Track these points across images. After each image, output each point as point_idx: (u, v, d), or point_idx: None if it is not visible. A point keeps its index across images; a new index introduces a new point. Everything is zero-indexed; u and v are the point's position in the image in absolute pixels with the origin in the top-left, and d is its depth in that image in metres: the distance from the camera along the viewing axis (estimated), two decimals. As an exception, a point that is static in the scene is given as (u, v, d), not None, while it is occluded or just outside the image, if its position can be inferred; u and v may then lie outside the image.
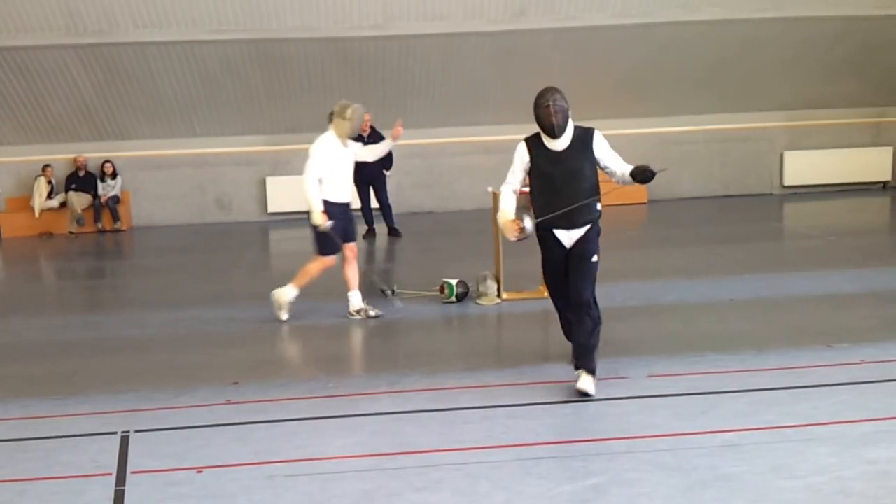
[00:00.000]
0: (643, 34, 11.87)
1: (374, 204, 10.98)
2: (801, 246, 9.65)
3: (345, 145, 6.41)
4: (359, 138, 10.85)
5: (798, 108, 13.43)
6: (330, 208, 6.22)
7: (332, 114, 6.46)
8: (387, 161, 10.83)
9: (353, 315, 6.54)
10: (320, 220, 6.18)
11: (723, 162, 13.54)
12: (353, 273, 6.54)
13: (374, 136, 10.76)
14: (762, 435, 4.01)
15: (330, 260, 6.45)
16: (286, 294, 6.47)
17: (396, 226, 10.83)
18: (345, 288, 6.58)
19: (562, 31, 11.69)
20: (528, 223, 4.73)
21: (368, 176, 10.75)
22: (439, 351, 5.85)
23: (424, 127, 12.62)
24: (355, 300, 6.57)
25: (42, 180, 12.20)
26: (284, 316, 6.47)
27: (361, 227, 10.91)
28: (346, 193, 6.47)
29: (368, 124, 10.71)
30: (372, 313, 6.54)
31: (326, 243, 6.33)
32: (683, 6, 11.56)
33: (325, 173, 6.27)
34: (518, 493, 3.51)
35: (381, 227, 10.92)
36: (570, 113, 4.75)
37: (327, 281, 8.39)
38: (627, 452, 3.86)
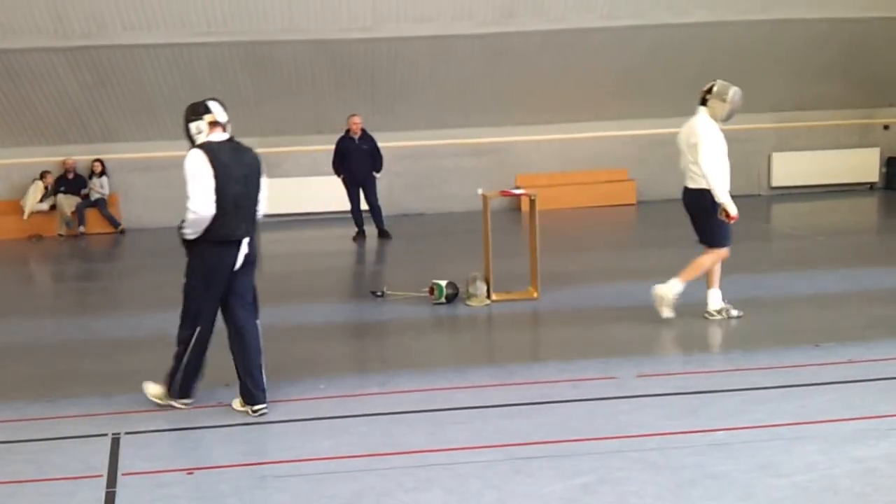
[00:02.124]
0: (632, 36, 11.93)
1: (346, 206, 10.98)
2: (789, 246, 9.72)
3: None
4: (349, 141, 10.90)
5: (786, 110, 13.54)
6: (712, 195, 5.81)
7: (706, 93, 5.90)
8: (377, 163, 10.86)
9: (712, 315, 6.10)
10: (734, 209, 5.78)
11: (712, 163, 13.61)
12: (718, 268, 6.15)
13: (364, 139, 10.78)
14: (751, 433, 4.04)
15: (726, 251, 6.01)
16: (671, 289, 5.93)
17: (386, 228, 10.83)
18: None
19: (551, 33, 11.73)
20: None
21: (359, 178, 10.77)
22: (429, 352, 5.86)
23: (414, 129, 12.64)
24: (716, 299, 6.14)
25: (39, 184, 12.14)
26: (668, 314, 5.93)
27: (351, 230, 10.92)
28: (728, 180, 5.93)
29: (360, 127, 10.72)
30: (734, 313, 6.09)
31: (726, 233, 5.94)
32: (671, 9, 11.62)
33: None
34: (508, 493, 3.53)
35: (368, 229, 10.92)
36: (190, 130, 4.57)
37: (314, 283, 8.40)
38: (617, 451, 3.88)
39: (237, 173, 4.46)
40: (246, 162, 4.55)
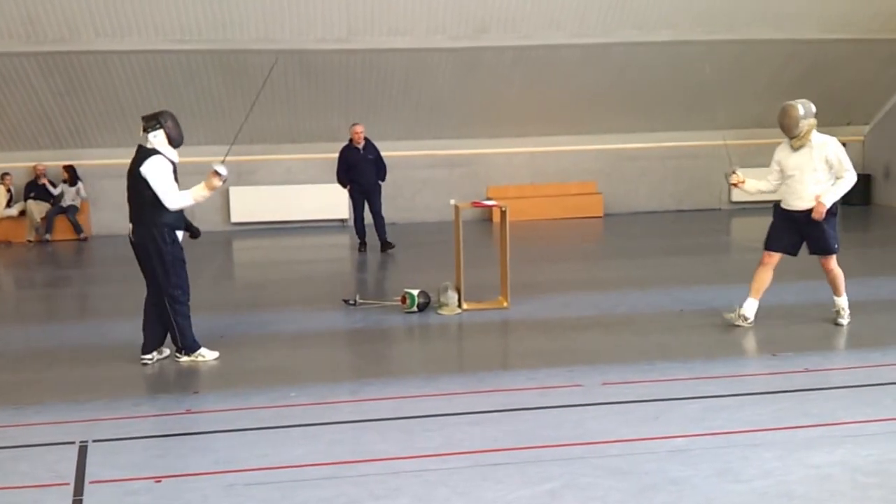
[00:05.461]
0: (600, 53, 12.16)
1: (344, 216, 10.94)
2: (747, 258, 9.88)
3: None
4: (354, 151, 10.68)
5: (745, 128, 13.93)
6: None
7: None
8: (381, 172, 10.69)
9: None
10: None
11: (675, 178, 13.96)
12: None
13: (369, 149, 10.66)
14: (710, 440, 4.14)
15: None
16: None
17: (389, 238, 10.50)
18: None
19: (522, 49, 11.91)
20: None
21: (366, 187, 10.43)
22: (400, 360, 5.93)
23: (388, 139, 12.70)
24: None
25: (0, 188, 12.02)
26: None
27: (329, 238, 10.91)
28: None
29: (362, 136, 10.50)
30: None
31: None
32: (639, 28, 11.88)
33: None
34: (475, 499, 3.58)
35: (349, 239, 10.93)
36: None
37: (286, 291, 8.41)
38: (581, 458, 3.95)
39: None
40: (132, 163, 5.72)
